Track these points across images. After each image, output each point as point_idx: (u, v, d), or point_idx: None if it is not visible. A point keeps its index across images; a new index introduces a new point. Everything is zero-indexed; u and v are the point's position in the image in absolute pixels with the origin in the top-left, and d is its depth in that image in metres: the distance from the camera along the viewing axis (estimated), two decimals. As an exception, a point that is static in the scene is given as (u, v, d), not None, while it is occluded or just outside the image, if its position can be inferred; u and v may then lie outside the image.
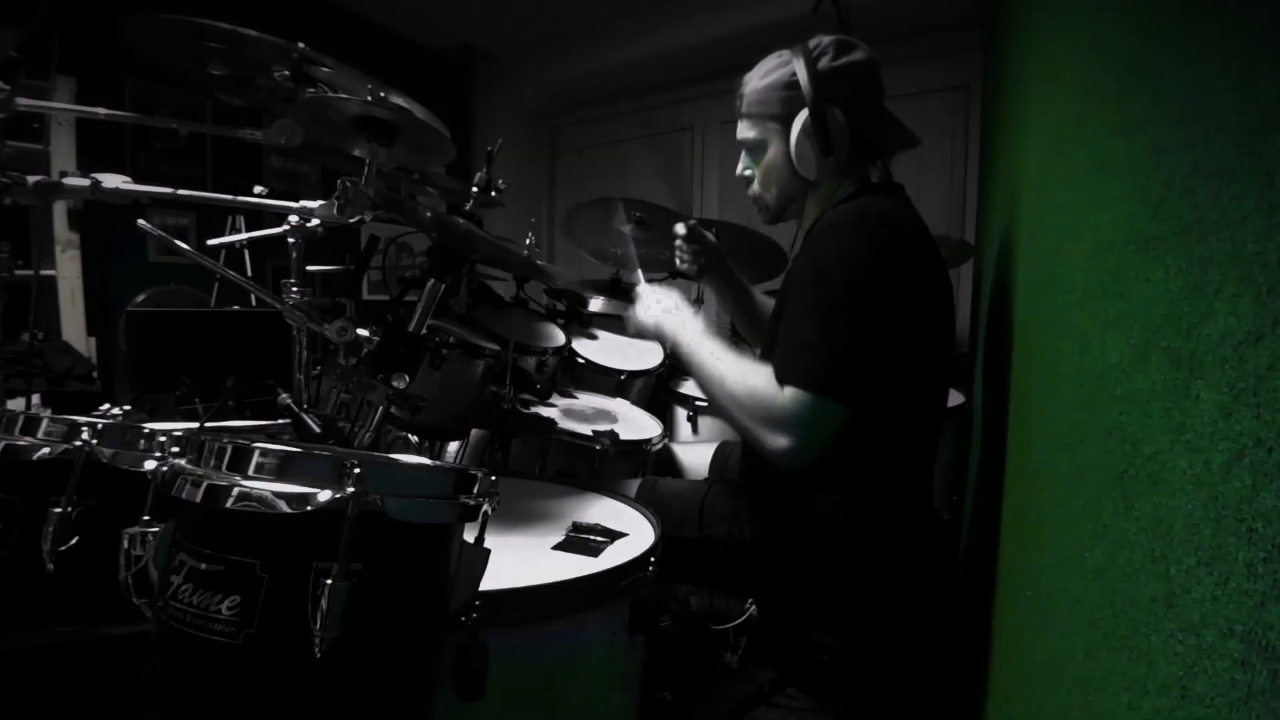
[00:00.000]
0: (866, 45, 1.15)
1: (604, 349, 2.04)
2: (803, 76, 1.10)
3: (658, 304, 1.21)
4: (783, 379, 0.99)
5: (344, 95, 1.10)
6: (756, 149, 1.22)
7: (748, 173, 1.27)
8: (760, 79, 1.18)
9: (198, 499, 0.63)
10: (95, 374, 2.54)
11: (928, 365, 1.10)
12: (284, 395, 1.07)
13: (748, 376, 1.03)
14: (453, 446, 1.69)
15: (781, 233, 2.46)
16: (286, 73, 1.18)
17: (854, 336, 0.98)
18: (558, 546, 0.98)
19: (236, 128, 1.19)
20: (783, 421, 0.97)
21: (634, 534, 1.03)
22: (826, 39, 1.14)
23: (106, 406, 0.89)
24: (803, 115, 1.10)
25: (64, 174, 1.06)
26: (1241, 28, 0.37)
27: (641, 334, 1.21)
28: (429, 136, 1.14)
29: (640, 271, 1.46)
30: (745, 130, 1.22)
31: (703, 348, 1.11)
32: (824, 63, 1.11)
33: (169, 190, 1.11)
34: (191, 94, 3.57)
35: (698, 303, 2.69)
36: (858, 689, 1.24)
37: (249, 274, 3.28)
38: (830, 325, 0.99)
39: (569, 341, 1.86)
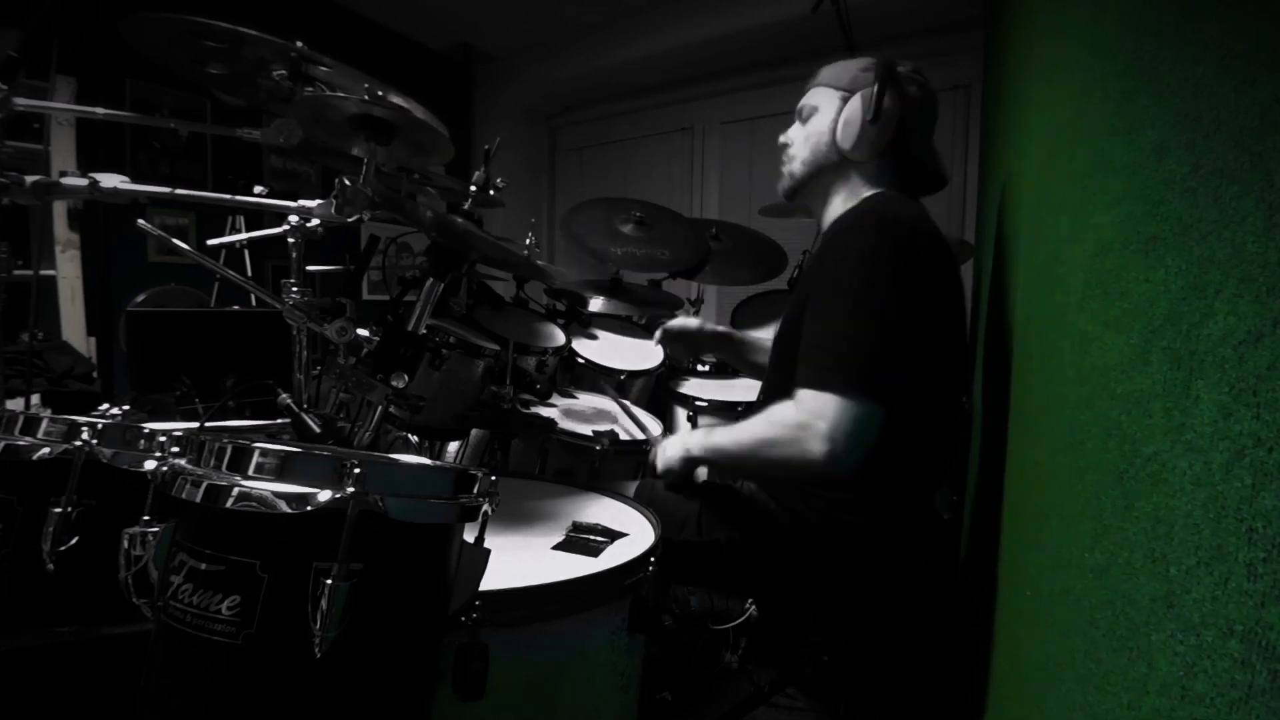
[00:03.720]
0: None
1: (604, 349, 2.04)
2: (880, 63, 1.17)
3: (670, 443, 1.23)
4: (819, 385, 0.99)
5: (343, 94, 1.10)
6: (810, 114, 1.24)
7: (787, 139, 1.29)
8: (842, 60, 1.24)
9: (198, 499, 0.63)
10: (95, 374, 2.54)
11: (938, 369, 1.11)
12: (284, 395, 1.07)
13: (760, 416, 1.06)
14: (453, 446, 1.69)
15: (781, 233, 2.47)
16: (285, 72, 1.18)
17: (880, 337, 0.99)
18: (558, 546, 0.98)
19: (236, 127, 1.19)
20: (804, 426, 0.98)
21: (634, 534, 1.03)
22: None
23: (106, 406, 0.89)
24: (864, 90, 1.15)
25: (64, 174, 1.06)
26: (1241, 28, 0.37)
27: (672, 471, 1.22)
28: (428, 136, 1.14)
29: (651, 428, 1.57)
30: (807, 98, 1.26)
31: (717, 432, 1.15)
32: (902, 69, 1.18)
33: (169, 190, 1.11)
34: (191, 94, 3.56)
35: (698, 302, 2.69)
36: (858, 689, 1.24)
37: (249, 274, 3.28)
38: (858, 329, 1.00)
39: (569, 341, 1.86)
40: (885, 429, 1.03)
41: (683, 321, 1.56)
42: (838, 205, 1.22)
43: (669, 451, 1.21)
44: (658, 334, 1.58)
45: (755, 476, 1.22)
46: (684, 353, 1.60)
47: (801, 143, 1.25)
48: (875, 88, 1.13)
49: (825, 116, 1.21)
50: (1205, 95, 0.40)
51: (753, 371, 1.58)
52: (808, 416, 0.98)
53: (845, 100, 1.18)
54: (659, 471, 1.23)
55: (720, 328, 1.57)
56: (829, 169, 1.22)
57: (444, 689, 0.73)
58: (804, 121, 1.25)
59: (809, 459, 0.97)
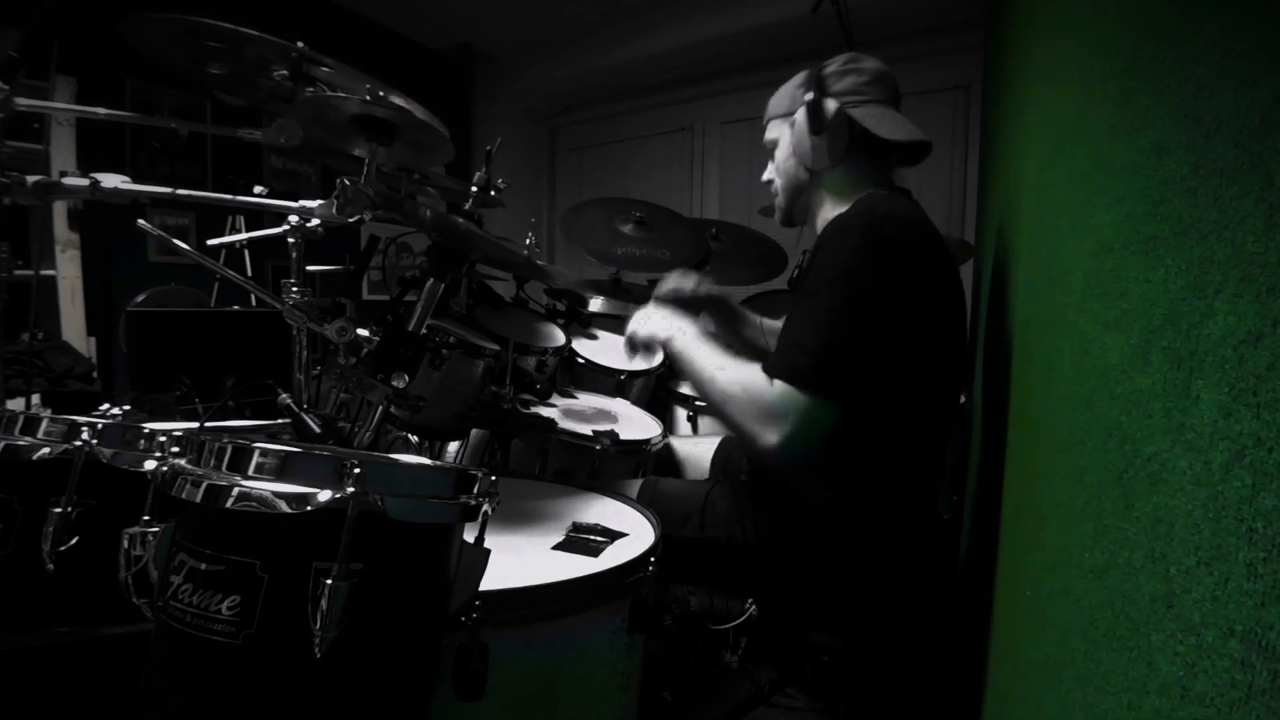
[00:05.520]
0: (877, 59, 1.23)
1: (604, 349, 2.04)
2: (807, 75, 1.20)
3: (655, 315, 1.24)
4: (773, 374, 1.02)
5: (343, 95, 1.10)
6: (773, 148, 1.28)
7: (769, 176, 1.32)
8: (782, 88, 1.27)
9: (198, 499, 0.63)
10: (95, 374, 2.54)
11: (934, 365, 1.10)
12: (284, 395, 1.07)
13: (742, 374, 1.06)
14: (453, 446, 1.69)
15: (781, 233, 2.46)
16: (286, 72, 1.18)
17: (850, 336, 1.01)
18: (558, 546, 0.98)
19: (236, 127, 1.19)
20: (772, 416, 1.00)
21: (634, 534, 1.03)
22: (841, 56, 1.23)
23: (106, 406, 0.89)
24: (801, 106, 1.17)
25: (64, 174, 1.06)
26: (1241, 28, 0.37)
27: (635, 342, 1.25)
28: (428, 136, 1.14)
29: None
30: (767, 135, 1.30)
31: (698, 349, 1.15)
32: (829, 68, 1.19)
33: (169, 190, 1.11)
34: (191, 94, 3.57)
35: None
36: (858, 689, 1.24)
37: (249, 274, 3.28)
38: (826, 324, 1.01)
39: (569, 341, 1.86)
40: (884, 428, 1.03)
41: (677, 284, 1.47)
42: (828, 211, 1.23)
43: (651, 324, 1.22)
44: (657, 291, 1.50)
45: (702, 396, 1.20)
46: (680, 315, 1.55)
47: (778, 177, 1.29)
48: (807, 100, 1.15)
49: (784, 143, 1.25)
50: (1205, 95, 0.40)
51: (743, 346, 1.54)
52: (778, 407, 1.00)
53: (792, 124, 1.21)
54: (629, 330, 1.26)
55: (715, 290, 1.52)
56: (806, 187, 1.25)
57: (444, 689, 0.73)
58: (773, 158, 1.29)
59: (757, 439, 1.02)
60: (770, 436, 1.00)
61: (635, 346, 1.27)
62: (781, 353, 1.04)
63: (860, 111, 1.16)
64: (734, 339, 1.57)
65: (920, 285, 1.05)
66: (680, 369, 1.17)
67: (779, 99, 1.25)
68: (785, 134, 1.24)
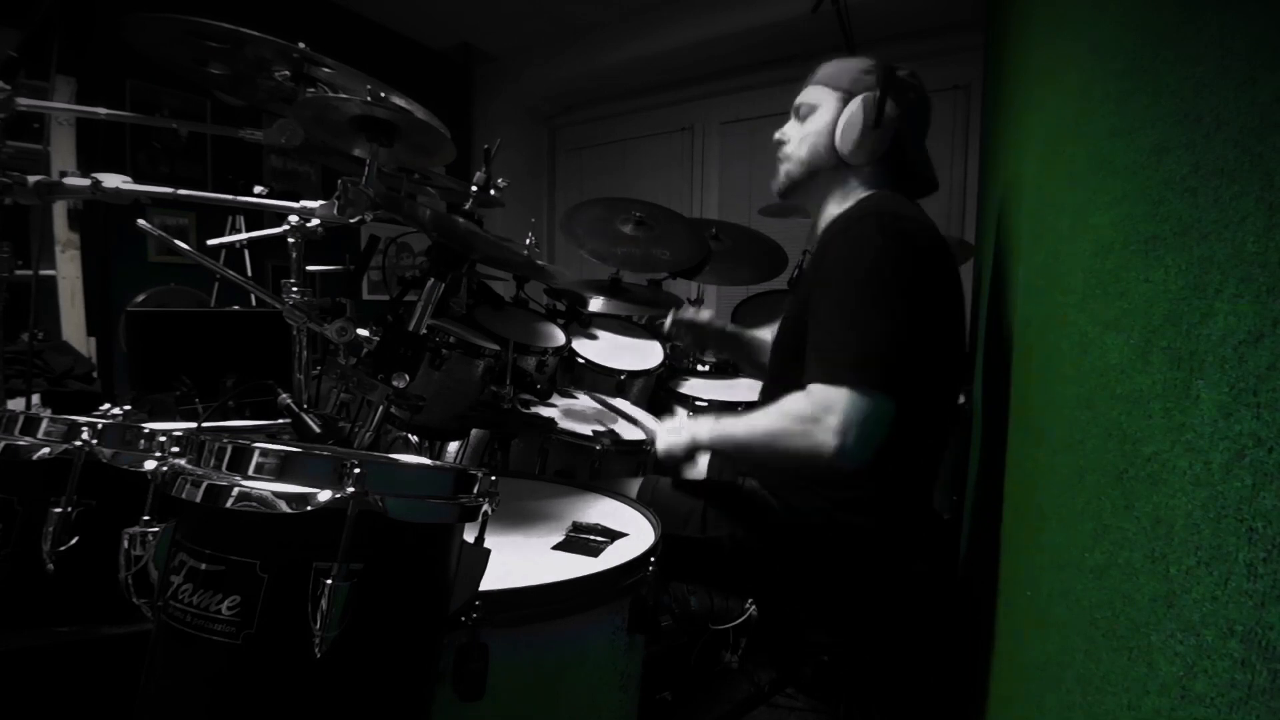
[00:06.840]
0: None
1: (604, 349, 2.04)
2: (880, 68, 1.17)
3: (671, 428, 1.23)
4: (831, 379, 0.98)
5: (344, 95, 1.10)
6: (808, 113, 1.23)
7: (784, 136, 1.28)
8: (841, 59, 1.24)
9: (198, 499, 0.63)
10: (95, 374, 2.54)
11: (937, 365, 1.11)
12: (284, 395, 1.07)
13: (778, 408, 1.04)
14: (453, 446, 1.69)
15: (781, 233, 2.47)
16: (287, 73, 1.18)
17: (890, 332, 0.99)
18: (558, 546, 0.98)
19: (236, 128, 1.20)
20: (815, 419, 0.97)
21: (634, 534, 1.03)
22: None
23: (106, 406, 0.89)
24: (866, 94, 1.15)
25: (64, 174, 1.06)
26: (1241, 28, 0.37)
27: (673, 457, 1.22)
28: (429, 136, 1.14)
29: (647, 419, 1.55)
30: (805, 95, 1.25)
31: (725, 421, 1.14)
32: (901, 73, 1.18)
33: (169, 190, 1.11)
34: (191, 94, 3.57)
35: (697, 302, 2.69)
36: (858, 689, 1.24)
37: (249, 274, 3.28)
38: (868, 322, 1.00)
39: (569, 341, 1.86)
40: (894, 425, 1.03)
41: (694, 314, 1.57)
42: (833, 207, 1.21)
43: (672, 436, 1.20)
44: (669, 318, 1.58)
45: (762, 467, 1.21)
46: (691, 343, 1.61)
47: (798, 142, 1.23)
48: (878, 93, 1.12)
49: (824, 117, 1.20)
50: (1205, 95, 0.40)
51: (757, 371, 1.57)
52: (819, 410, 0.97)
53: (845, 102, 1.17)
54: (659, 454, 1.22)
55: (729, 326, 1.57)
56: (826, 171, 1.21)
57: (444, 689, 0.73)
58: (801, 120, 1.24)
59: (819, 452, 0.96)
60: (828, 439, 0.95)
61: (678, 464, 1.24)
62: (832, 357, 1.00)
63: (906, 128, 1.16)
64: (750, 366, 1.60)
65: (928, 285, 1.05)
66: (728, 454, 1.16)
67: (838, 70, 1.21)
68: (830, 107, 1.19)
